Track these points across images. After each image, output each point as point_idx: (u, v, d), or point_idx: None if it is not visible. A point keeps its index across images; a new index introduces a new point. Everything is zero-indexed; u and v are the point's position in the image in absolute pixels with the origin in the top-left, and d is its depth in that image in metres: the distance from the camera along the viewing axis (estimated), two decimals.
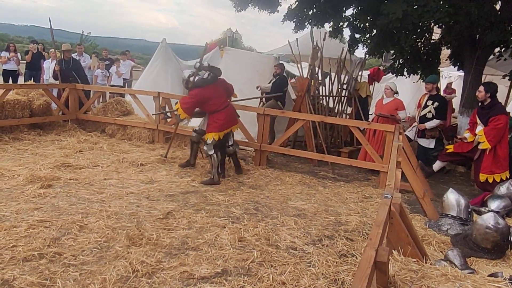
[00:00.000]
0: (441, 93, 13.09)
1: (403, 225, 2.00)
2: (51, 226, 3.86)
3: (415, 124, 7.15)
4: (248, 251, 3.60)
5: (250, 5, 8.76)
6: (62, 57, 8.95)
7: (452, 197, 4.16)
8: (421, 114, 7.07)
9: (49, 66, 10.59)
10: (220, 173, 5.94)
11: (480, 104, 6.11)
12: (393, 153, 3.42)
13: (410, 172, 4.10)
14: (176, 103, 5.94)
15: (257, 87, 8.42)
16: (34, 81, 11.09)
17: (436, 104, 6.98)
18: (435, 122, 6.96)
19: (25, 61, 11.75)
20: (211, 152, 5.69)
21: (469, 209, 4.21)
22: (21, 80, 11.68)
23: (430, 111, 6.94)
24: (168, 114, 6.85)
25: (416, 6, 6.73)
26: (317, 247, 3.81)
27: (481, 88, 6.07)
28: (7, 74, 11.41)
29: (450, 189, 4.29)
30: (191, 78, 5.70)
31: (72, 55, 9.74)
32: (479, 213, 4.23)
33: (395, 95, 7.64)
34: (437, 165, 6.37)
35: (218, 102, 5.76)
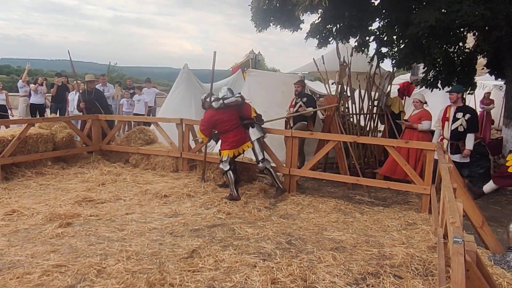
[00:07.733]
0: (478, 104, 12.38)
1: (483, 279, 1.56)
2: (67, 271, 3.55)
3: (445, 140, 6.40)
4: None
5: (271, 24, 8.51)
6: (86, 88, 8.91)
7: None
8: (452, 128, 6.27)
9: (73, 98, 10.62)
10: (282, 188, 6.19)
11: None
12: (445, 178, 2.93)
13: (465, 197, 3.56)
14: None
15: (299, 109, 7.66)
16: (60, 114, 11.16)
17: (467, 116, 6.18)
18: (472, 138, 6.20)
19: (51, 94, 11.85)
20: (227, 168, 6.08)
21: None
22: (47, 114, 11.78)
23: (461, 124, 6.22)
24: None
25: (448, 12, 6.30)
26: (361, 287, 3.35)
27: None
28: (34, 108, 11.52)
29: None
30: (207, 99, 6.21)
31: (96, 85, 9.72)
32: None
33: (424, 106, 7.17)
34: (489, 187, 5.60)
35: (229, 124, 6.16)
